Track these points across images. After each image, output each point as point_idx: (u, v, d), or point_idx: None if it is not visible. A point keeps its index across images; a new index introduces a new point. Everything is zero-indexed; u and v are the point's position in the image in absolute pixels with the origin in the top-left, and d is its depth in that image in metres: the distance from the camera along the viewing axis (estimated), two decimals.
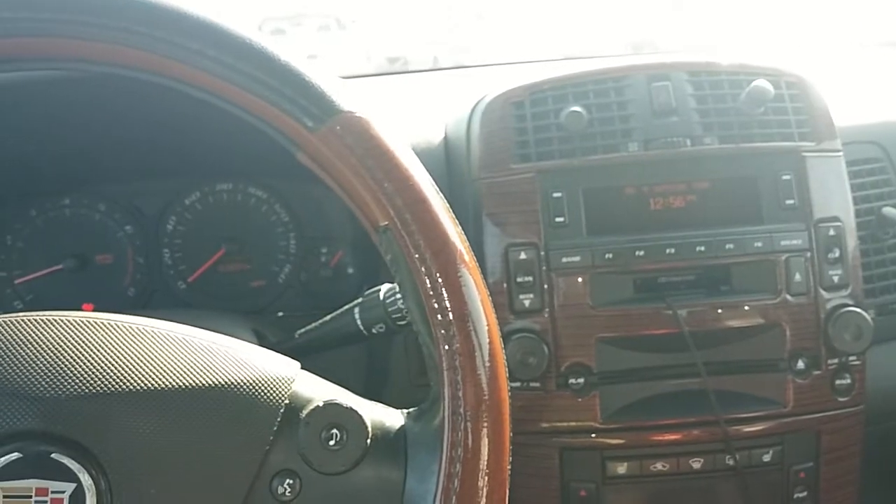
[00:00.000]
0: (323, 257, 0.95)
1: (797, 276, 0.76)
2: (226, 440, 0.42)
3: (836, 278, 0.77)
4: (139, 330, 0.44)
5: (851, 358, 0.78)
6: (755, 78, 0.78)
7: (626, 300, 0.77)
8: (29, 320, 0.43)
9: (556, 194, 0.76)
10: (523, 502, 0.80)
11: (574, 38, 1.39)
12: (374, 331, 0.62)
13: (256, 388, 0.44)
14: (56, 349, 0.42)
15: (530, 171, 0.77)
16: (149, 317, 0.45)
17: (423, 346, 0.46)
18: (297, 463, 0.43)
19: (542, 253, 0.76)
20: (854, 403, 0.79)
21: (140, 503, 0.41)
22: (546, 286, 0.76)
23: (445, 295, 0.44)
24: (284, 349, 0.52)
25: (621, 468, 0.78)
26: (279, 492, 0.43)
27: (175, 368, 0.43)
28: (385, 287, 0.63)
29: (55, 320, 0.43)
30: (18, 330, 0.42)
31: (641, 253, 0.76)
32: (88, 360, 0.41)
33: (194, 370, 0.43)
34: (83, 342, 0.42)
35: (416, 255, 0.44)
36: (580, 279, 0.76)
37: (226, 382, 0.43)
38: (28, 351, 0.41)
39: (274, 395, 0.44)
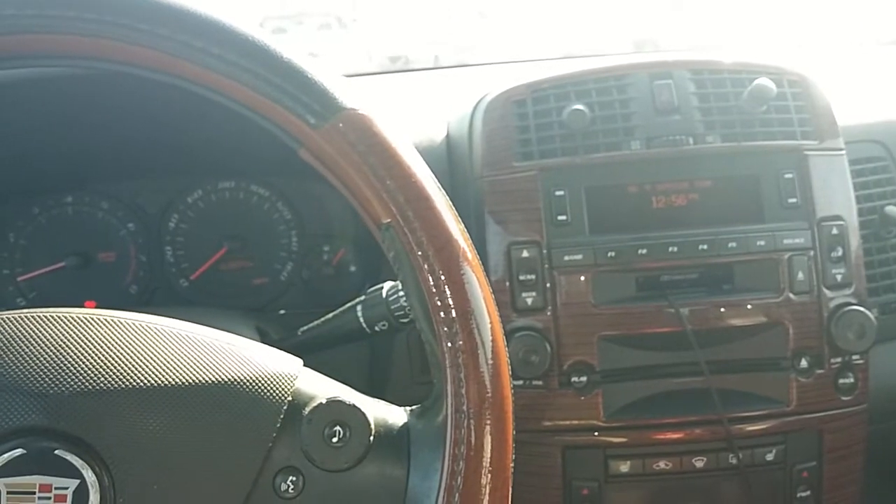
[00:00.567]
0: (325, 255, 0.95)
1: (800, 275, 0.76)
2: (229, 437, 0.42)
3: (839, 277, 0.77)
4: (143, 327, 0.44)
5: (854, 357, 0.77)
6: (757, 76, 0.78)
7: (629, 298, 0.77)
8: (32, 317, 0.43)
9: (558, 192, 0.76)
10: (525, 501, 0.80)
11: (575, 36, 1.39)
12: (376, 328, 0.62)
13: (260, 384, 0.44)
14: (59, 346, 0.42)
15: (532, 170, 0.77)
16: (151, 314, 0.46)
17: (425, 343, 0.46)
18: (300, 460, 0.43)
19: (545, 251, 0.76)
20: (857, 402, 0.78)
21: (143, 499, 0.41)
22: (548, 284, 0.76)
23: (448, 292, 0.44)
24: (287, 346, 0.52)
25: (624, 467, 0.77)
26: (282, 489, 0.43)
27: (178, 365, 0.43)
28: (388, 285, 0.63)
29: (58, 317, 0.43)
30: (21, 326, 0.42)
31: (644, 251, 0.76)
32: (92, 357, 0.41)
33: (198, 367, 0.43)
34: (87, 339, 0.42)
35: (419, 253, 0.44)
36: (582, 277, 0.76)
37: (229, 379, 0.43)
38: (31, 347, 0.41)
39: (277, 392, 0.44)
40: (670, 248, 0.76)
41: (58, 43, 0.43)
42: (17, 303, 0.89)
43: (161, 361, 0.42)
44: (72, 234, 0.90)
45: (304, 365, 0.46)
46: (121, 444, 0.41)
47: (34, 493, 0.39)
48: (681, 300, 0.76)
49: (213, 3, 0.46)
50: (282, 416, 0.43)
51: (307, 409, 0.44)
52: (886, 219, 0.84)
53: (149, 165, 0.91)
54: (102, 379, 0.41)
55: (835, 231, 0.77)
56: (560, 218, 0.76)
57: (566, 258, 0.75)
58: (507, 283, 0.76)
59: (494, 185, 0.78)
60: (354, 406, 0.44)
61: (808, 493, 0.79)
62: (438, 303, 0.44)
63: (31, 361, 0.41)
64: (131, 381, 0.41)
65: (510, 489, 0.44)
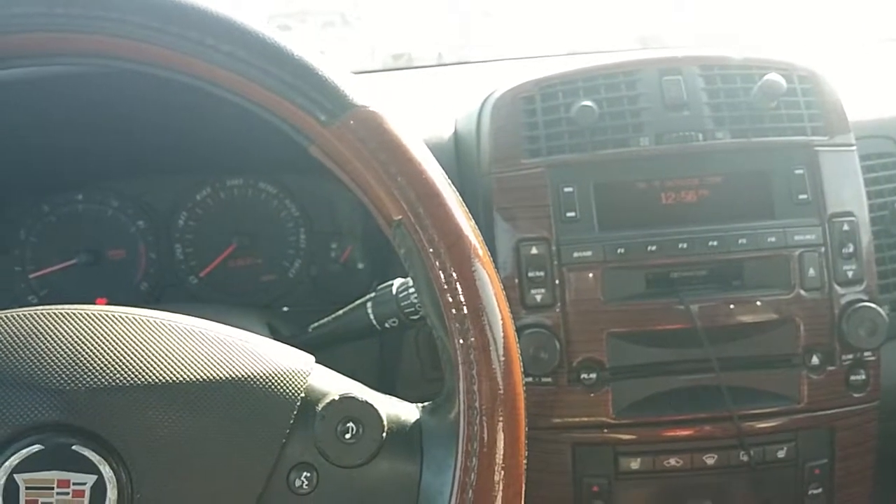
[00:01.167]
0: (333, 252, 0.95)
1: (811, 272, 0.76)
2: (243, 433, 0.43)
3: (850, 273, 0.77)
4: (157, 323, 0.44)
5: (866, 353, 0.77)
6: (767, 72, 0.78)
7: (638, 295, 0.77)
8: (47, 314, 0.43)
9: (566, 189, 0.76)
10: (536, 497, 0.80)
11: (580, 33, 1.39)
12: (386, 325, 0.62)
13: (273, 381, 0.44)
14: (75, 342, 0.42)
15: (541, 166, 0.77)
16: (164, 311, 0.46)
17: (437, 340, 0.46)
18: (313, 456, 0.43)
19: (554, 248, 0.76)
20: (869, 399, 0.78)
21: (159, 495, 0.41)
22: (557, 281, 0.76)
23: (460, 289, 0.44)
24: (298, 343, 0.53)
25: (634, 463, 0.77)
26: (296, 485, 0.43)
27: (193, 361, 0.43)
28: (398, 282, 0.63)
29: (74, 314, 0.43)
30: (37, 323, 0.42)
31: (654, 248, 0.76)
32: (108, 353, 0.42)
33: (212, 363, 0.43)
34: (102, 335, 0.42)
35: (430, 250, 0.44)
36: (592, 274, 0.76)
37: (243, 376, 0.43)
38: (47, 344, 0.41)
39: (290, 388, 0.44)
40: (680, 245, 0.76)
41: (68, 42, 0.43)
42: (28, 300, 0.89)
43: (176, 358, 0.43)
44: (82, 231, 0.91)
45: (316, 362, 0.46)
46: (138, 440, 0.41)
47: (52, 488, 0.39)
48: (691, 297, 0.76)
49: (219, 1, 0.46)
50: (295, 413, 0.44)
51: (320, 406, 0.44)
52: None
53: (157, 163, 0.92)
54: (118, 375, 0.41)
55: (846, 227, 0.77)
56: (569, 214, 0.76)
57: (575, 255, 0.75)
58: (517, 280, 0.76)
59: (503, 181, 0.78)
60: (367, 402, 0.44)
61: (820, 490, 0.79)
62: (450, 299, 0.44)
63: (47, 358, 0.41)
64: (147, 377, 0.42)
65: (523, 485, 0.44)
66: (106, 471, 0.40)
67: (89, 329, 0.43)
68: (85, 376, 0.41)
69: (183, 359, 0.43)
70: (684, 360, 0.77)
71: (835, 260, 0.77)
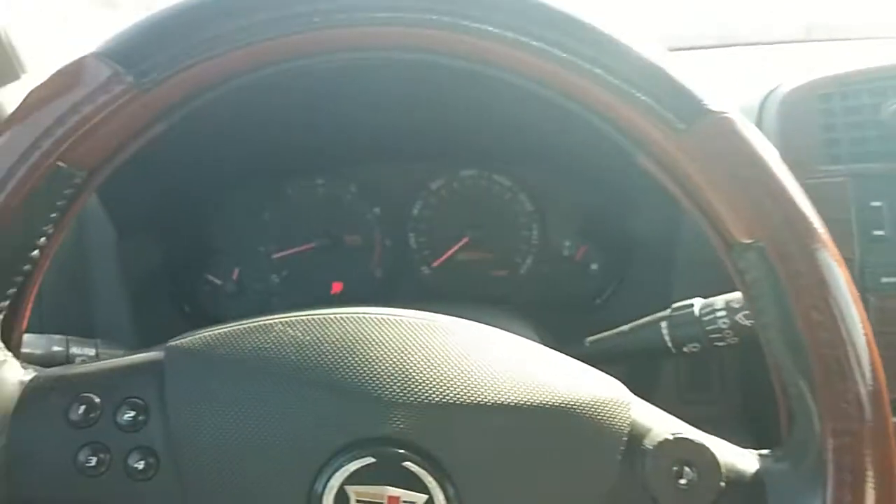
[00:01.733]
0: (566, 251, 0.92)
1: None
2: (572, 464, 0.39)
3: None
4: (476, 336, 0.42)
5: None
6: None
7: None
8: (369, 318, 0.42)
9: (874, 203, 0.67)
10: None
11: (742, 21, 1.27)
12: (685, 349, 0.57)
13: (598, 410, 0.40)
14: (402, 351, 0.40)
15: (842, 175, 0.68)
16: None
17: (783, 379, 0.40)
18: (641, 497, 0.40)
19: (857, 270, 0.67)
20: None
21: None
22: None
23: (828, 329, 0.38)
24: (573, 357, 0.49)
25: None
26: None
27: (520, 383, 0.40)
28: (698, 303, 0.57)
29: (395, 320, 0.42)
30: (360, 328, 0.41)
31: None
32: (436, 367, 0.40)
33: (536, 385, 0.40)
34: (427, 346, 0.41)
35: (796, 281, 0.38)
36: None
37: (570, 402, 0.40)
38: (374, 351, 0.40)
39: (615, 419, 0.40)
40: None
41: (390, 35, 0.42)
42: (270, 279, 0.92)
43: (504, 377, 0.40)
44: (321, 215, 0.92)
45: None
46: (470, 462, 0.39)
47: (382, 503, 0.38)
48: None
49: None
50: (623, 448, 0.40)
51: (651, 444, 0.40)
52: None
53: (396, 150, 0.91)
54: (449, 391, 0.39)
55: None
56: (876, 233, 0.67)
57: (883, 280, 0.66)
58: None
59: None
60: (704, 445, 0.40)
61: None
62: (812, 337, 0.38)
63: (376, 366, 0.40)
64: (476, 395, 0.39)
65: None
66: (436, 491, 0.38)
67: (413, 338, 0.41)
68: (416, 390, 0.39)
69: (509, 379, 0.40)
70: None
71: None
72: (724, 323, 0.54)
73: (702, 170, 0.40)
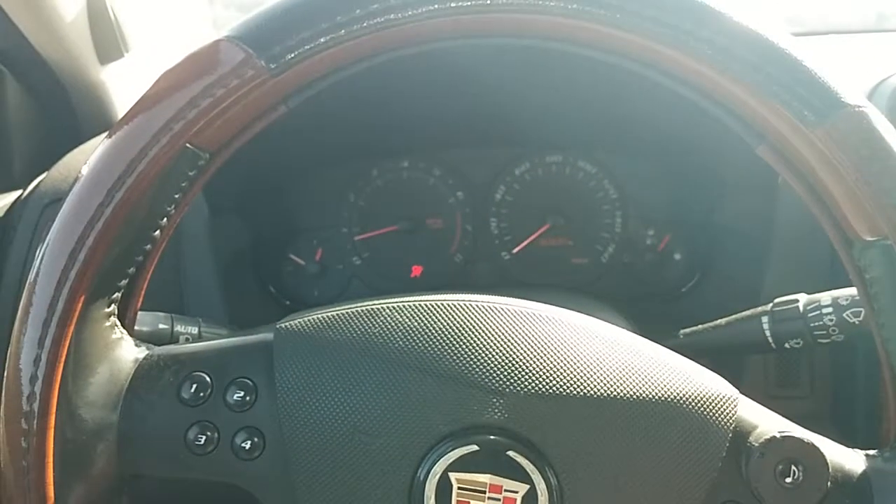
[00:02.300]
0: (649, 240, 0.90)
1: None
2: (674, 459, 0.39)
3: None
4: (578, 326, 0.42)
5: None
6: None
7: None
8: (476, 305, 0.42)
9: None
10: None
11: (808, 9, 1.21)
12: (787, 346, 0.56)
13: (703, 405, 0.40)
14: (509, 340, 0.41)
15: None
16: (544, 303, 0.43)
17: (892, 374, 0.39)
18: (745, 495, 0.39)
19: None
20: None
21: None
22: None
23: None
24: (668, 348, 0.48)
25: None
26: None
27: (628, 375, 0.40)
28: (803, 298, 0.56)
29: (501, 308, 0.42)
30: (467, 315, 0.42)
31: None
32: (543, 357, 0.40)
33: (645, 378, 0.40)
34: (534, 336, 0.41)
35: None
36: None
37: (675, 396, 0.40)
38: (481, 339, 0.41)
39: (720, 416, 0.40)
40: None
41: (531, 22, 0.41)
42: (352, 261, 0.93)
43: (610, 369, 0.40)
44: (404, 198, 0.93)
45: None
46: (574, 454, 0.39)
47: (484, 492, 0.39)
48: None
49: None
50: (727, 444, 0.40)
51: (757, 441, 0.39)
52: None
53: (481, 135, 0.91)
54: (556, 382, 0.39)
55: None
56: None
57: None
58: None
59: None
60: (812, 444, 0.39)
61: None
62: None
63: (483, 355, 0.40)
64: (584, 387, 0.39)
65: None
66: (538, 481, 0.38)
67: (520, 327, 0.41)
68: (522, 380, 0.39)
69: (618, 371, 0.40)
70: None
71: None
72: (831, 320, 0.52)
73: (830, 164, 0.39)
